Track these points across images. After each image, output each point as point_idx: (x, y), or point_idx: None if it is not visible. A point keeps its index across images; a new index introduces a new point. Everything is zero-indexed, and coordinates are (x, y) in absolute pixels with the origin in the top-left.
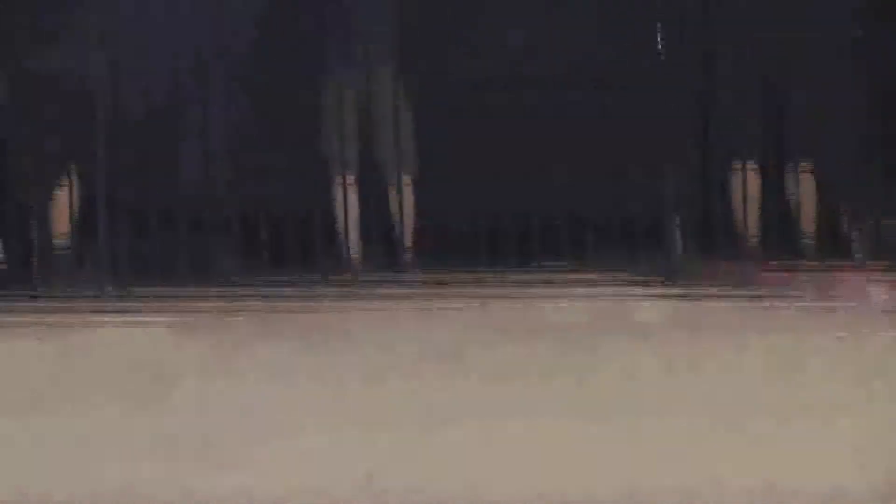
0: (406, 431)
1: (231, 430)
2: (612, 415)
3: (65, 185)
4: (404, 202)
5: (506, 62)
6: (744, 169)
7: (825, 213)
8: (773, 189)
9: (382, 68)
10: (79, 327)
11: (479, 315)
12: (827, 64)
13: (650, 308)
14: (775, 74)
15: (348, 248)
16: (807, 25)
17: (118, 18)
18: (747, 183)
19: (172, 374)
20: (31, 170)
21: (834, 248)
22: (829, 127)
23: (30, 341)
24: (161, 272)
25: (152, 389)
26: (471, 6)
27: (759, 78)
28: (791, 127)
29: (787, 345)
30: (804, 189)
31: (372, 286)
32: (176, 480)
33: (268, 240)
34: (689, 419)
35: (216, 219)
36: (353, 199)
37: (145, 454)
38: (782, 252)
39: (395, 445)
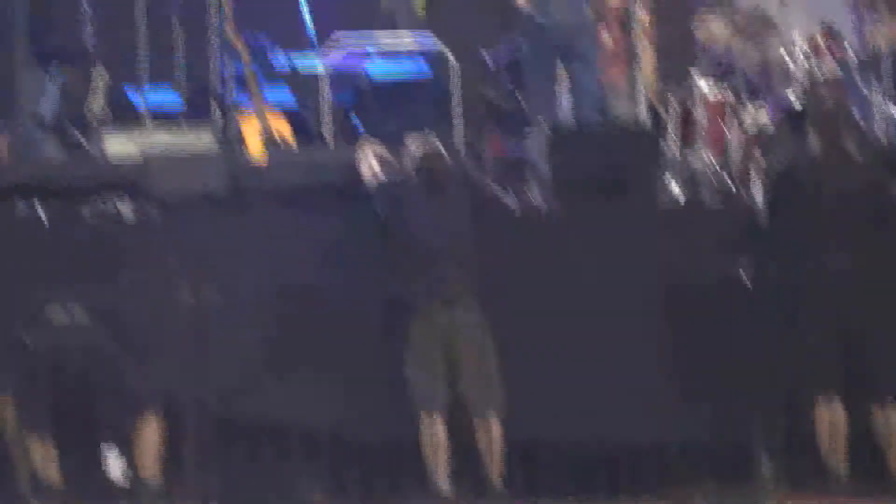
0: None
1: None
2: None
3: (151, 420)
4: (492, 437)
5: (586, 295)
6: (829, 402)
7: None
8: (860, 423)
9: (467, 304)
10: None
11: None
12: None
13: None
14: (857, 310)
15: (437, 482)
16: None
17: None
18: (833, 416)
19: None
20: (115, 406)
21: None
22: None
23: None
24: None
25: None
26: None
27: (842, 313)
28: (876, 362)
29: None
30: (891, 423)
31: None
32: None
33: (356, 473)
34: None
35: (305, 451)
36: (441, 433)
37: None
38: (870, 486)
39: None
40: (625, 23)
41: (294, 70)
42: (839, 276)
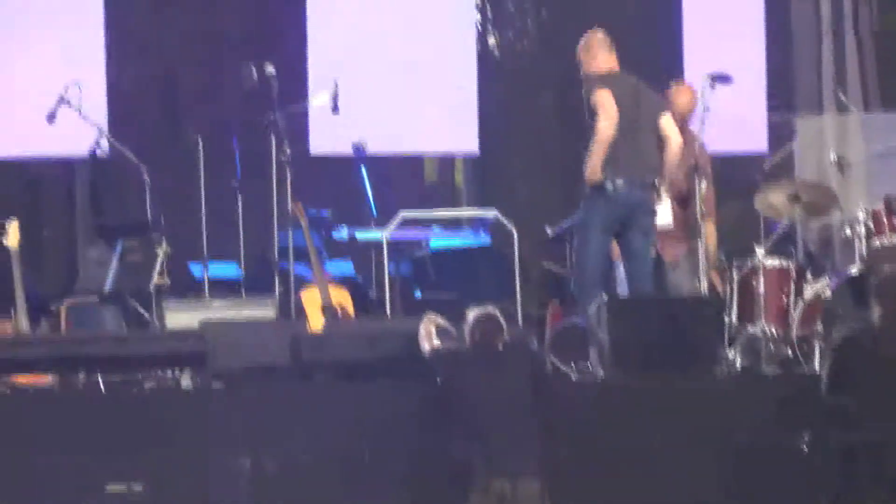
0: None
1: None
2: None
3: None
4: None
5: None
6: None
7: None
8: None
9: (528, 478)
10: None
11: None
12: None
13: None
14: None
15: None
16: None
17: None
18: None
19: None
20: None
21: None
22: None
23: None
24: None
25: None
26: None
27: None
28: None
29: None
30: None
31: None
32: None
33: None
34: None
35: None
36: None
37: None
38: None
39: None
40: (686, 198)
41: (353, 239)
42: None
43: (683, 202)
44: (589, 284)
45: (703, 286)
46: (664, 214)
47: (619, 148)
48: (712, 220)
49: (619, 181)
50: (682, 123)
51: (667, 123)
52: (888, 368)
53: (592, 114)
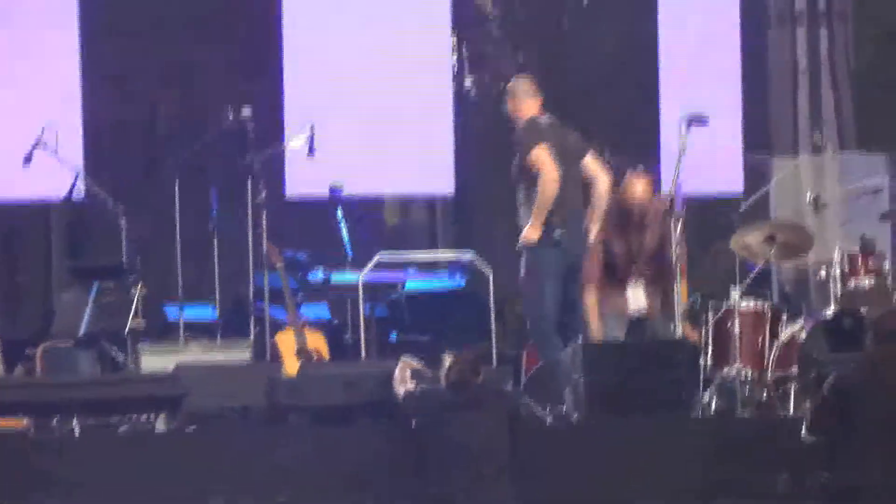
0: None
1: None
2: None
3: None
4: None
5: None
6: None
7: None
8: None
9: None
10: None
11: None
12: None
13: None
14: None
15: None
16: None
17: None
18: None
19: None
20: None
21: None
22: None
23: None
24: None
25: None
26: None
27: None
28: None
29: None
30: None
31: None
32: None
33: None
34: None
35: None
36: None
37: None
38: None
39: None
40: (658, 252)
41: (329, 282)
42: (877, 488)
43: (656, 258)
44: (549, 334)
45: (678, 327)
46: (638, 299)
47: (558, 198)
48: (683, 278)
49: (563, 230)
50: (641, 212)
51: (591, 164)
52: (882, 409)
53: (525, 166)
